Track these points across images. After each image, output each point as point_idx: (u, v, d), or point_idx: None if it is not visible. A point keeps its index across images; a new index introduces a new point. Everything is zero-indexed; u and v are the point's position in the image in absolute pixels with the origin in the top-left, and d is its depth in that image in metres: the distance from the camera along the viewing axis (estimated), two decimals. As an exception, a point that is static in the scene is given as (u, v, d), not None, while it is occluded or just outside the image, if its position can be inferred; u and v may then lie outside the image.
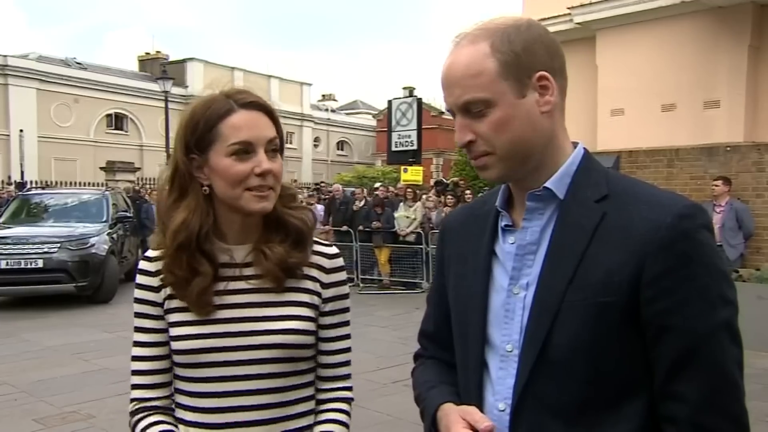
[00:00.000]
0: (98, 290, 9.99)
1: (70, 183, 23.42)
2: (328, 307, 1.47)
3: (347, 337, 1.52)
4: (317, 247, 1.48)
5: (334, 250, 1.51)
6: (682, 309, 1.04)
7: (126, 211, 12.26)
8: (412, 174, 14.62)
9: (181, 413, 1.42)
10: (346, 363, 1.52)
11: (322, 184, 22.37)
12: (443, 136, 31.59)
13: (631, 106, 10.23)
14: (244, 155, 1.34)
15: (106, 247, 10.24)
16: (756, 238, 8.66)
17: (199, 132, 1.36)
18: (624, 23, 10.26)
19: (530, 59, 1.12)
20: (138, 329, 1.44)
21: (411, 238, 11.76)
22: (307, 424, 1.44)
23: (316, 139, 42.92)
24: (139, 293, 1.44)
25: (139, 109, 33.29)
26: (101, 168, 22.29)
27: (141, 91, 33.12)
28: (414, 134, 14.73)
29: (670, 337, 1.05)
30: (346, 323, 1.52)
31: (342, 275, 1.51)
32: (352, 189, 15.58)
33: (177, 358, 1.40)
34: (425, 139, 15.33)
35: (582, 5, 10.61)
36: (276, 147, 1.39)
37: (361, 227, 12.24)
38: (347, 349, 1.52)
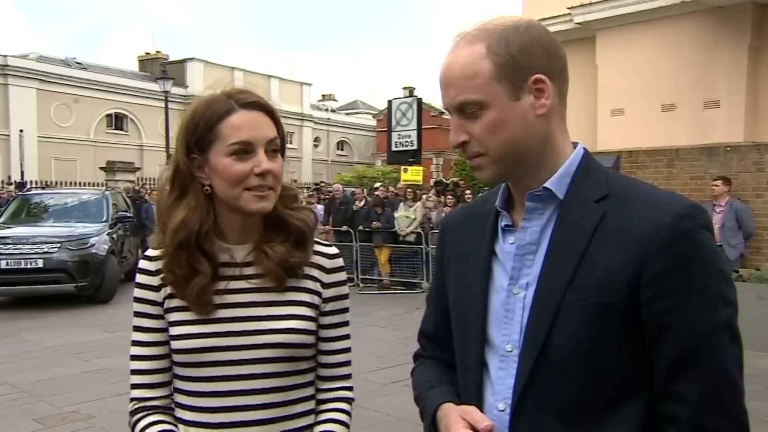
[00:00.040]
0: (98, 290, 10.00)
1: (70, 183, 23.43)
2: (329, 306, 1.47)
3: (347, 337, 1.52)
4: (317, 247, 1.48)
5: (334, 250, 1.51)
6: (682, 309, 1.04)
7: (126, 211, 12.26)
8: (412, 174, 14.62)
9: (180, 413, 1.42)
10: (347, 363, 1.52)
11: (322, 184, 22.37)
12: (443, 136, 31.52)
13: (631, 106, 10.23)
14: (243, 155, 1.34)
15: (106, 247, 10.24)
16: (756, 238, 8.66)
17: (199, 132, 1.36)
18: (624, 23, 10.26)
19: (526, 62, 1.11)
20: (137, 328, 1.44)
21: (411, 238, 11.77)
22: (307, 423, 1.44)
23: (316, 139, 42.92)
24: (138, 292, 1.44)
25: (139, 109, 33.29)
26: (101, 168, 22.30)
27: (141, 91, 33.13)
28: (414, 134, 14.73)
29: (670, 337, 1.05)
30: (346, 323, 1.52)
31: (342, 275, 1.51)
32: (352, 189, 15.58)
33: (177, 358, 1.40)
34: (425, 139, 15.33)
35: (582, 5, 10.61)
36: (276, 147, 1.39)
37: (361, 227, 12.24)
38: (347, 349, 1.52)
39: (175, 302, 1.40)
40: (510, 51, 1.11)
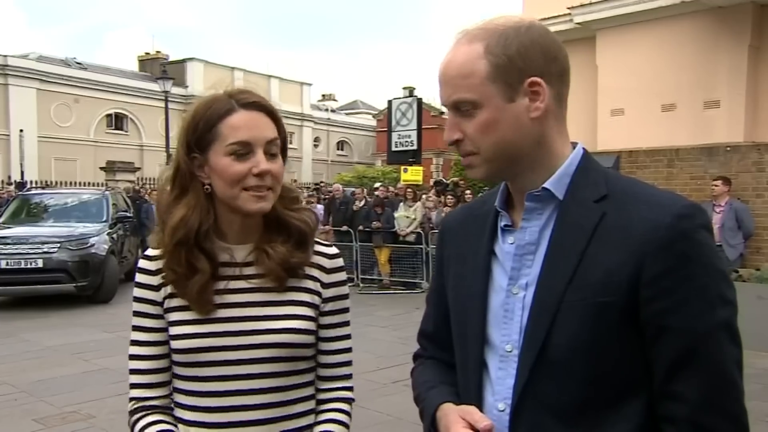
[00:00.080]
0: (98, 290, 9.99)
1: (70, 183, 23.42)
2: (328, 306, 1.47)
3: (347, 337, 1.52)
4: (318, 247, 1.49)
5: (334, 250, 1.52)
6: (682, 309, 1.04)
7: (126, 211, 12.26)
8: (412, 174, 14.62)
9: (180, 412, 1.42)
10: (347, 363, 1.52)
11: (322, 184, 22.38)
12: (443, 136, 31.46)
13: (631, 106, 10.23)
14: (242, 155, 1.34)
15: (106, 247, 10.24)
16: (756, 238, 8.66)
17: (199, 131, 1.37)
18: (624, 23, 10.26)
19: (523, 64, 1.11)
20: (136, 328, 1.44)
21: (411, 238, 11.77)
22: (306, 423, 1.44)
23: (316, 139, 42.92)
24: (138, 292, 1.44)
25: (139, 109, 33.30)
26: (101, 168, 22.29)
27: (141, 91, 33.13)
28: (414, 134, 14.73)
29: (669, 337, 1.05)
30: (347, 323, 1.52)
31: (342, 275, 1.52)
32: (352, 189, 15.57)
33: (176, 357, 1.40)
34: (425, 139, 15.33)
35: (582, 5, 10.61)
36: (276, 148, 1.39)
37: (361, 227, 12.24)
38: (347, 349, 1.52)
39: (174, 302, 1.40)
40: (507, 52, 1.11)
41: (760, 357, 6.12)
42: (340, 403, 1.49)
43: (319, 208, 13.05)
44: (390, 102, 15.45)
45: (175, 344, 1.39)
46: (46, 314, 9.15)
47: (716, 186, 8.38)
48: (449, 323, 1.31)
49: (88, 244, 9.95)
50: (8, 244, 9.64)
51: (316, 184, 25.95)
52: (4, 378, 5.99)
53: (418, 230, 11.69)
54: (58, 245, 9.67)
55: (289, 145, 1.52)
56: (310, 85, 42.89)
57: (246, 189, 1.35)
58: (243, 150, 1.34)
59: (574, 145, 1.21)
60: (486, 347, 1.21)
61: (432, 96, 27.98)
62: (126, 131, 33.38)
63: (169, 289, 1.41)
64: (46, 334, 7.86)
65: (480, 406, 1.18)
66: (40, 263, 9.50)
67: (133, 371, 1.44)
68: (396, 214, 11.98)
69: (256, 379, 1.38)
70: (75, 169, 28.98)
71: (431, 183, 18.07)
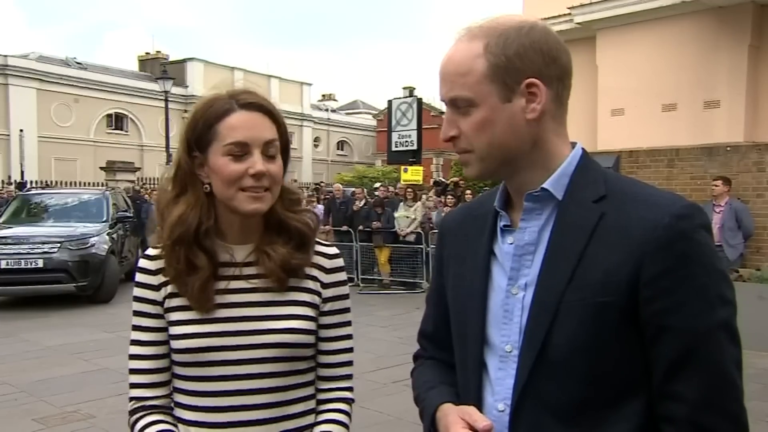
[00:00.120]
0: (98, 290, 9.99)
1: (70, 183, 23.42)
2: (328, 306, 1.47)
3: (348, 337, 1.52)
4: (318, 248, 1.49)
5: (334, 250, 1.52)
6: (681, 309, 1.04)
7: (126, 211, 12.26)
8: (412, 174, 14.61)
9: (180, 412, 1.42)
10: (347, 363, 1.52)
11: (322, 184, 22.38)
12: (440, 133, 31.42)
13: (632, 106, 10.23)
14: (239, 155, 1.34)
15: (106, 247, 10.24)
16: (756, 238, 8.66)
17: (199, 130, 1.37)
18: (624, 23, 10.26)
19: (522, 65, 1.11)
20: (136, 328, 1.44)
21: (411, 238, 11.77)
22: (306, 423, 1.44)
23: (316, 139, 42.93)
24: (138, 291, 1.44)
25: (139, 109, 33.32)
26: (101, 168, 22.29)
27: (141, 91, 33.15)
28: (414, 134, 14.72)
29: (668, 337, 1.05)
30: (347, 323, 1.52)
31: (342, 275, 1.52)
32: (352, 189, 15.57)
33: (176, 357, 1.40)
34: (425, 139, 15.31)
35: (582, 5, 10.61)
36: (275, 149, 1.38)
37: (361, 227, 12.24)
38: (348, 350, 1.52)
39: (175, 302, 1.40)
40: (506, 52, 1.11)
41: (760, 357, 6.12)
42: (340, 404, 1.49)
43: (319, 208, 13.05)
44: (390, 102, 15.43)
45: (176, 344, 1.39)
46: (46, 314, 9.15)
47: (716, 186, 8.38)
48: (449, 323, 1.31)
49: (89, 244, 9.95)
50: (8, 244, 9.64)
51: (316, 184, 25.95)
52: (4, 378, 5.99)
53: (418, 230, 11.69)
54: (59, 245, 9.67)
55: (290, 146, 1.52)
56: (310, 85, 42.93)
57: (243, 189, 1.35)
58: (240, 150, 1.34)
59: (573, 145, 1.21)
60: (485, 347, 1.21)
61: (432, 96, 28.02)
62: (126, 131, 33.40)
63: (169, 289, 1.41)
64: (46, 334, 7.86)
65: (479, 406, 1.18)
66: (40, 263, 9.50)
67: (133, 371, 1.44)
68: (396, 214, 11.98)
69: (256, 379, 1.38)
70: (75, 169, 29.00)
71: (431, 183, 18.06)
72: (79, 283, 9.67)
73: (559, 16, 10.76)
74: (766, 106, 9.35)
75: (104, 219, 11.01)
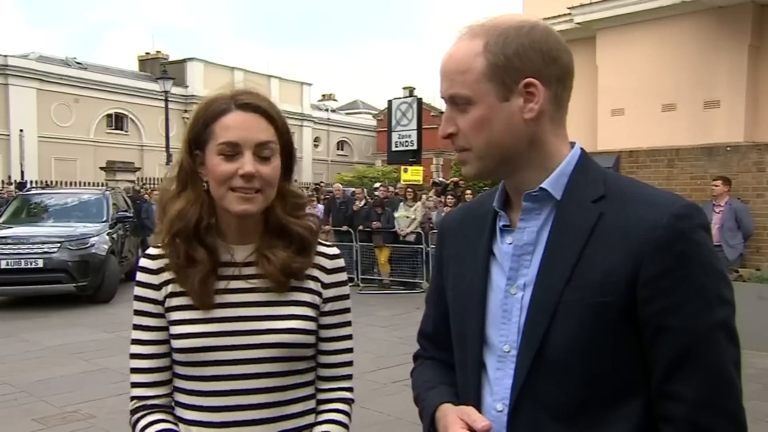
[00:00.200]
0: (98, 290, 9.99)
1: (70, 183, 23.42)
2: (328, 307, 1.47)
3: (348, 337, 1.52)
4: (319, 248, 1.49)
5: (335, 250, 1.52)
6: (680, 309, 1.04)
7: (126, 211, 12.26)
8: (412, 174, 14.61)
9: (180, 412, 1.42)
10: (347, 363, 1.52)
11: (322, 184, 22.38)
12: (439, 130, 31.40)
13: (631, 106, 10.23)
14: (230, 155, 1.35)
15: (106, 247, 10.24)
16: (756, 238, 8.66)
17: (197, 129, 1.39)
18: (624, 23, 10.26)
19: (521, 64, 1.11)
20: (137, 327, 1.45)
21: (411, 238, 11.77)
22: (305, 423, 1.45)
23: (316, 139, 42.93)
24: (139, 291, 1.45)
25: (139, 109, 33.31)
26: (101, 168, 22.29)
27: (141, 91, 33.14)
28: (414, 134, 14.72)
29: (667, 337, 1.05)
30: (347, 324, 1.52)
31: (343, 276, 1.52)
32: (352, 189, 15.58)
33: (177, 357, 1.41)
34: (425, 139, 15.31)
35: (582, 5, 10.61)
36: (269, 151, 1.38)
37: (361, 227, 12.24)
38: (348, 350, 1.52)
39: (175, 301, 1.41)
40: (505, 52, 1.11)
41: (759, 357, 6.12)
42: (340, 404, 1.49)
43: (319, 208, 13.05)
44: (390, 102, 15.43)
45: (176, 343, 1.39)
46: (46, 314, 9.15)
47: (716, 186, 8.38)
48: (449, 323, 1.31)
49: (89, 244, 9.95)
50: (8, 244, 9.64)
51: (316, 184, 25.95)
52: (4, 378, 5.99)
53: (418, 230, 11.70)
54: (59, 245, 9.67)
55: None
56: (310, 85, 42.94)
57: (233, 189, 1.35)
58: (231, 150, 1.35)
59: (572, 145, 1.21)
60: (485, 347, 1.21)
61: (432, 96, 27.99)
62: (126, 131, 33.40)
63: (170, 289, 1.42)
64: (46, 334, 7.86)
65: (478, 406, 1.18)
66: (40, 263, 9.50)
67: (134, 370, 1.44)
68: (396, 214, 11.98)
69: (255, 378, 1.38)
70: (75, 169, 29.00)
71: (430, 183, 18.06)
72: (79, 283, 9.67)
73: (559, 16, 10.76)
74: (766, 106, 9.35)
75: (104, 219, 11.01)
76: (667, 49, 9.85)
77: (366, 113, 47.17)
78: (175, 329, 1.39)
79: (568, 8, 10.68)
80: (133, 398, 1.44)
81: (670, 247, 1.04)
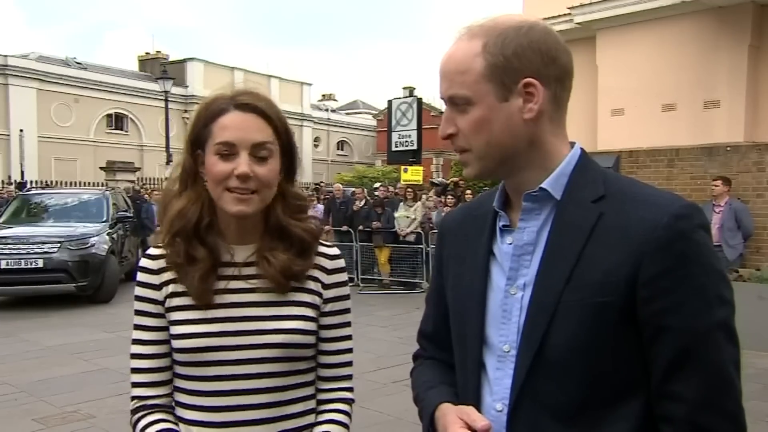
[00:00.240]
0: (98, 290, 10.00)
1: (70, 183, 23.40)
2: (329, 307, 1.47)
3: (348, 337, 1.52)
4: (319, 248, 1.49)
5: (335, 251, 1.52)
6: (680, 309, 1.04)
7: (126, 211, 12.26)
8: (412, 174, 14.62)
9: (180, 411, 1.43)
10: (347, 363, 1.52)
11: (322, 184, 22.38)
12: (438, 130, 31.41)
13: (631, 106, 10.24)
14: (227, 155, 1.35)
15: (106, 247, 10.24)
16: (756, 238, 8.66)
17: (197, 129, 1.40)
18: (624, 23, 10.26)
19: (520, 65, 1.11)
20: (138, 327, 1.45)
21: (411, 238, 11.77)
22: (305, 423, 1.45)
23: (316, 139, 42.92)
24: (139, 291, 1.45)
25: (139, 109, 33.31)
26: (101, 168, 22.28)
27: (141, 91, 33.14)
28: (414, 134, 14.72)
29: (667, 337, 1.05)
30: (347, 324, 1.52)
31: (343, 276, 1.52)
32: (352, 189, 15.58)
33: (177, 357, 1.41)
34: (425, 139, 15.31)
35: (582, 5, 10.61)
36: (267, 152, 1.38)
37: (361, 227, 12.25)
38: (348, 350, 1.52)
39: (176, 301, 1.41)
40: (504, 52, 1.11)
41: (759, 357, 6.13)
42: (340, 404, 1.50)
43: (319, 208, 13.05)
44: (390, 102, 15.44)
45: (176, 344, 1.40)
46: (46, 314, 9.15)
47: (716, 186, 8.38)
48: (449, 323, 1.31)
49: (89, 244, 9.96)
50: (8, 244, 9.64)
51: (316, 184, 25.94)
52: (4, 378, 6.00)
53: (418, 230, 11.70)
54: (59, 245, 9.67)
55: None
56: (310, 85, 42.92)
57: (228, 190, 1.36)
58: (227, 150, 1.35)
59: (572, 145, 1.21)
60: (484, 347, 1.21)
61: (432, 96, 27.98)
62: (126, 131, 33.39)
63: (170, 289, 1.42)
64: (46, 334, 7.86)
65: (478, 406, 1.18)
66: (40, 263, 9.51)
67: (134, 370, 1.44)
68: (396, 214, 11.99)
69: (255, 378, 1.38)
70: (75, 169, 28.99)
71: (429, 183, 18.07)
72: (79, 283, 9.67)
73: (559, 16, 10.76)
74: (766, 106, 9.35)
75: (104, 219, 11.02)
76: (667, 49, 9.85)
77: (366, 113, 47.15)
78: (176, 329, 1.40)
79: (568, 8, 10.69)
80: (133, 398, 1.44)
81: (669, 247, 1.04)
